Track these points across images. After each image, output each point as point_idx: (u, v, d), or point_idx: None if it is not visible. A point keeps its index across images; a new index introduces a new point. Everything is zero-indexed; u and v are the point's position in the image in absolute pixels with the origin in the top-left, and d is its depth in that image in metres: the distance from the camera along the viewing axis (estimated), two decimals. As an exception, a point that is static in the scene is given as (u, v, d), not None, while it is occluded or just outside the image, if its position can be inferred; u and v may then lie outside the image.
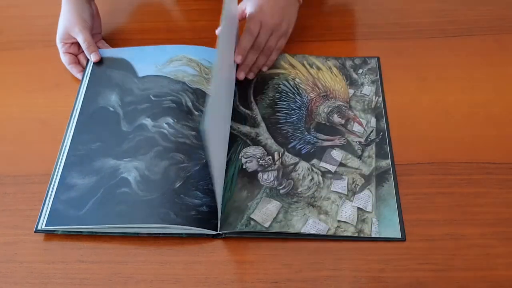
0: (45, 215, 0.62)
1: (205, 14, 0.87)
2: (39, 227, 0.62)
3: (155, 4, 0.90)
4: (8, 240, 0.62)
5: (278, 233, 0.61)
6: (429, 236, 0.60)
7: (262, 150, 0.68)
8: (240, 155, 0.68)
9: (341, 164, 0.67)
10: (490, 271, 0.58)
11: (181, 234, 0.61)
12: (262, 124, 0.71)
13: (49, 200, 0.63)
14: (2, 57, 0.83)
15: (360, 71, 0.77)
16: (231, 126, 0.71)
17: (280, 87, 0.76)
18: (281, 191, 0.64)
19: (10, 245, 0.62)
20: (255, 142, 0.69)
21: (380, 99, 0.74)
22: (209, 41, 0.82)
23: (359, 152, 0.68)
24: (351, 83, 0.76)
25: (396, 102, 0.74)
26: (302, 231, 0.60)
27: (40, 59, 0.82)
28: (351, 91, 0.75)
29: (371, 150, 0.68)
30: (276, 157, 0.67)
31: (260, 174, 0.66)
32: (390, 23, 0.85)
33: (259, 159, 0.67)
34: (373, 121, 0.71)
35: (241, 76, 0.75)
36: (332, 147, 0.68)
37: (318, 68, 0.78)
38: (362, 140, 0.69)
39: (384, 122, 0.71)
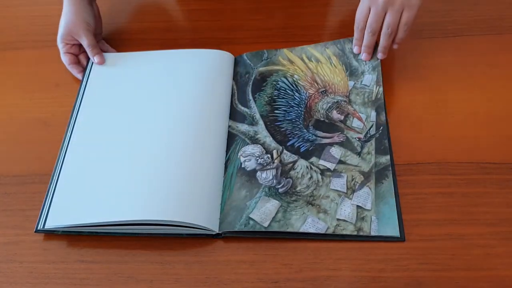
0: (45, 215, 0.62)
1: (205, 14, 0.87)
2: (39, 227, 0.62)
3: (155, 4, 0.90)
4: (8, 240, 0.63)
5: (277, 232, 0.61)
6: (429, 236, 0.60)
7: (260, 148, 0.68)
8: (239, 154, 0.68)
9: (340, 162, 0.66)
10: (490, 271, 0.58)
11: (181, 234, 0.61)
12: (261, 122, 0.71)
13: (49, 200, 0.63)
14: (2, 57, 0.83)
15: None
16: (230, 125, 0.71)
17: (278, 84, 0.75)
18: (280, 190, 0.64)
19: (10, 245, 0.62)
20: (254, 140, 0.69)
21: (381, 89, 0.73)
22: (209, 41, 0.83)
23: (359, 148, 0.67)
24: (351, 73, 0.75)
25: (396, 102, 0.74)
26: (301, 230, 0.60)
27: (40, 59, 0.82)
28: (351, 83, 0.74)
29: (371, 146, 0.67)
30: (274, 155, 0.67)
31: (258, 173, 0.65)
32: (390, 23, 0.85)
33: (257, 158, 0.67)
34: (373, 115, 0.71)
35: (365, 57, 0.76)
36: (331, 144, 0.68)
37: (317, 61, 0.78)
38: (362, 136, 0.69)
39: (384, 115, 0.70)
